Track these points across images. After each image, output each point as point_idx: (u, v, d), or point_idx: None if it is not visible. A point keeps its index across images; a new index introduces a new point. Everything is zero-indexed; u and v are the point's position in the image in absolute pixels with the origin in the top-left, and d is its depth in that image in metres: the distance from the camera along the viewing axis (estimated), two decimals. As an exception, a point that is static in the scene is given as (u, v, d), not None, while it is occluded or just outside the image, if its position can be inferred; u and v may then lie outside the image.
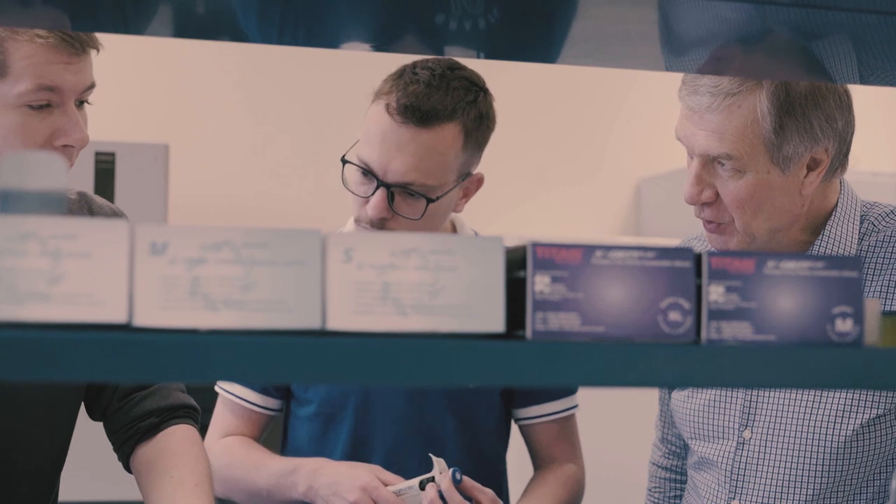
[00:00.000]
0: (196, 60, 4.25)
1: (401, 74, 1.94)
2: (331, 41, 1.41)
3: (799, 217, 1.77)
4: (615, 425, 3.91)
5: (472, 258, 0.92)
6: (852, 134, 1.77)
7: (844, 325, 0.97)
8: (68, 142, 1.60)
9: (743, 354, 0.94)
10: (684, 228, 1.86)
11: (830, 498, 1.77)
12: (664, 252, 0.95)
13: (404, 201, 1.92)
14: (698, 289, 0.95)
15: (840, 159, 1.77)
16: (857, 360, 0.97)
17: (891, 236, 1.79)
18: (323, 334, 0.89)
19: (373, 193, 1.91)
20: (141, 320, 0.86)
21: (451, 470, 1.89)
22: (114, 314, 0.85)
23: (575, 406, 2.13)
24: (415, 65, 1.95)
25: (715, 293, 0.95)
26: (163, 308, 0.86)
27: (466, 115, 1.93)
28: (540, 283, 0.92)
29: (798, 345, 0.96)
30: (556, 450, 2.13)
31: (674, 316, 0.94)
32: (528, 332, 0.92)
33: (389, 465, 1.98)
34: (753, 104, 1.70)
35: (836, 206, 1.81)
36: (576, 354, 0.92)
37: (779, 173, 1.72)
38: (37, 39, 1.55)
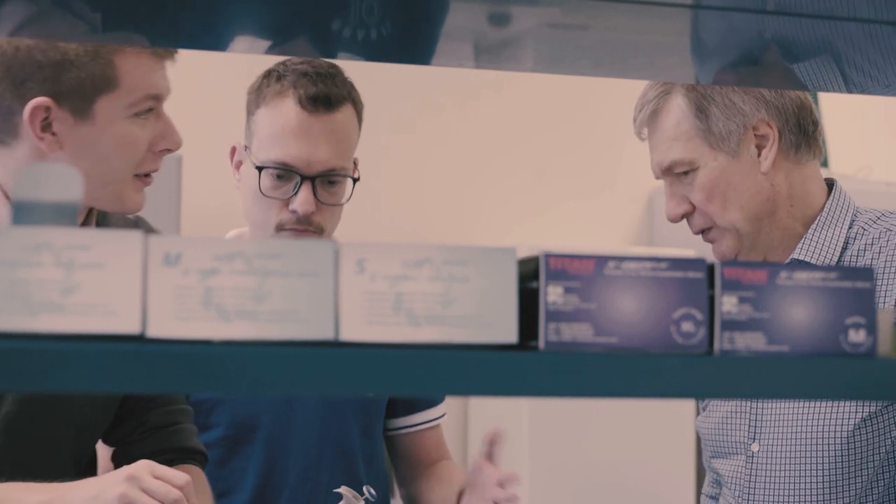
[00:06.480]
0: (208, 71, 4.26)
1: (281, 75, 1.95)
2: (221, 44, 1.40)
3: (774, 200, 1.78)
4: (627, 434, 3.90)
5: (484, 269, 0.92)
6: (805, 109, 1.77)
7: (857, 336, 0.97)
8: (168, 146, 1.63)
9: (756, 365, 0.94)
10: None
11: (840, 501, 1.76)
12: (677, 263, 0.94)
13: (327, 190, 1.94)
14: (711, 299, 0.95)
15: (801, 136, 1.78)
16: (871, 370, 0.96)
17: (877, 239, 1.77)
18: (336, 345, 0.89)
19: (295, 192, 1.92)
20: (154, 331, 0.86)
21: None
22: (127, 325, 0.85)
23: (444, 414, 2.22)
24: (285, 64, 1.96)
25: (728, 304, 0.95)
26: (176, 319, 0.86)
27: (355, 97, 2.00)
28: (553, 294, 0.92)
29: (811, 355, 0.96)
30: (437, 452, 2.20)
31: (687, 326, 0.94)
32: (541, 343, 0.92)
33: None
34: (672, 104, 1.77)
35: (821, 210, 1.80)
36: (589, 365, 0.92)
37: (727, 158, 1.76)
38: (141, 50, 1.58)
